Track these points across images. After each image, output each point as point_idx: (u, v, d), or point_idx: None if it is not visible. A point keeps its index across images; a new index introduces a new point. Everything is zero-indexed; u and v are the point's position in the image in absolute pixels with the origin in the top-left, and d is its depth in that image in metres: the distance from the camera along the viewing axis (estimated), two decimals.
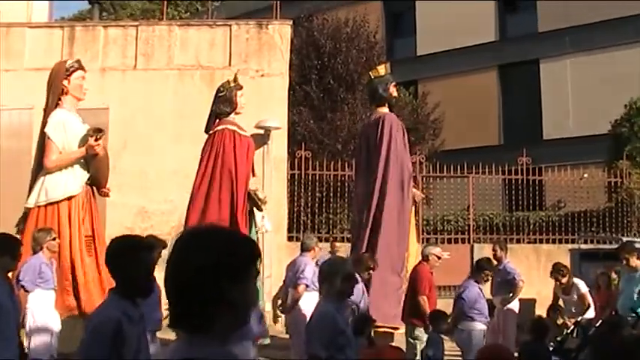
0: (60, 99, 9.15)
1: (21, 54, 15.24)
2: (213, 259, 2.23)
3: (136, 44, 15.40)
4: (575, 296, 11.95)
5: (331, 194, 16.96)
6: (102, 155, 9.06)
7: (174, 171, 14.03)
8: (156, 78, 15.24)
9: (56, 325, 8.40)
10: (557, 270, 11.93)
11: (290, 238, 15.35)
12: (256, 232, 9.83)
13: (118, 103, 14.82)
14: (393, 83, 11.27)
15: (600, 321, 10.06)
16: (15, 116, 14.59)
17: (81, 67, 9.34)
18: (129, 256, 4.23)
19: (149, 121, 14.92)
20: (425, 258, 10.34)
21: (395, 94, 11.37)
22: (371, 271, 9.30)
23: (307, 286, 10.07)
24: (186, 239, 2.36)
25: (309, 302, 9.90)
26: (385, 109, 11.04)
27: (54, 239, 8.43)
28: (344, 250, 12.12)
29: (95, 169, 9.11)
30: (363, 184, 11.03)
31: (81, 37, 15.48)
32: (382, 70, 11.34)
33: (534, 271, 15.25)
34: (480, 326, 9.85)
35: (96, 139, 8.85)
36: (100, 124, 10.49)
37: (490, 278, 10.57)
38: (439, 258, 10.46)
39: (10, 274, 6.59)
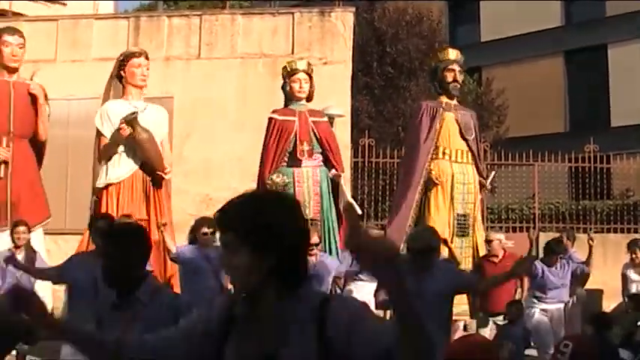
0: (125, 88, 9.36)
1: (88, 45, 15.50)
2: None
3: (200, 33, 15.52)
4: None
5: (394, 181, 16.84)
6: (142, 138, 8.95)
7: (237, 158, 14.12)
8: (219, 67, 15.34)
9: None
10: (634, 243, 11.55)
11: None
12: None
13: (182, 92, 14.96)
14: (449, 67, 10.73)
15: None
16: (83, 106, 14.86)
17: (134, 55, 9.40)
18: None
19: (212, 110, 15.03)
20: (489, 244, 10.22)
21: (449, 79, 10.53)
22: None
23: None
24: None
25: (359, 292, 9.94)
26: (443, 97, 10.64)
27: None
28: None
29: (140, 153, 9.04)
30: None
31: (146, 27, 15.66)
32: (443, 55, 10.92)
33: (601, 261, 14.92)
34: (541, 306, 9.78)
35: (125, 122, 8.81)
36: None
37: (560, 260, 10.35)
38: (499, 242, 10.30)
39: None
